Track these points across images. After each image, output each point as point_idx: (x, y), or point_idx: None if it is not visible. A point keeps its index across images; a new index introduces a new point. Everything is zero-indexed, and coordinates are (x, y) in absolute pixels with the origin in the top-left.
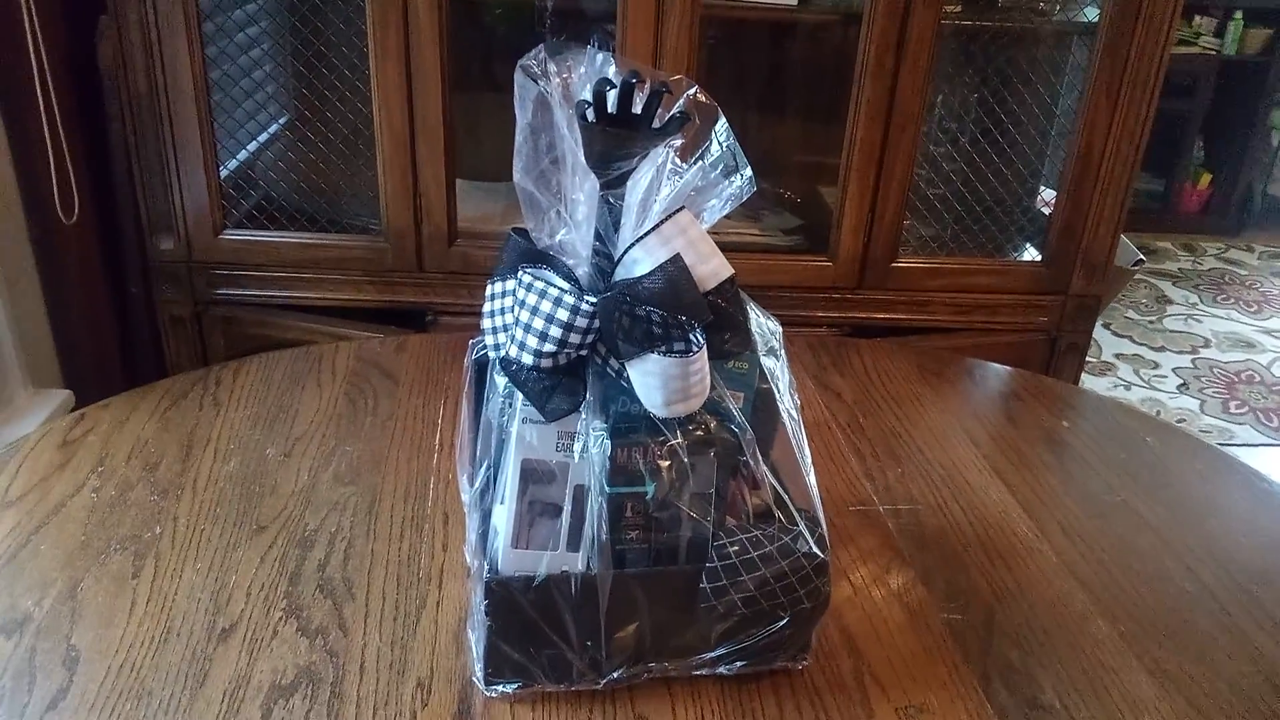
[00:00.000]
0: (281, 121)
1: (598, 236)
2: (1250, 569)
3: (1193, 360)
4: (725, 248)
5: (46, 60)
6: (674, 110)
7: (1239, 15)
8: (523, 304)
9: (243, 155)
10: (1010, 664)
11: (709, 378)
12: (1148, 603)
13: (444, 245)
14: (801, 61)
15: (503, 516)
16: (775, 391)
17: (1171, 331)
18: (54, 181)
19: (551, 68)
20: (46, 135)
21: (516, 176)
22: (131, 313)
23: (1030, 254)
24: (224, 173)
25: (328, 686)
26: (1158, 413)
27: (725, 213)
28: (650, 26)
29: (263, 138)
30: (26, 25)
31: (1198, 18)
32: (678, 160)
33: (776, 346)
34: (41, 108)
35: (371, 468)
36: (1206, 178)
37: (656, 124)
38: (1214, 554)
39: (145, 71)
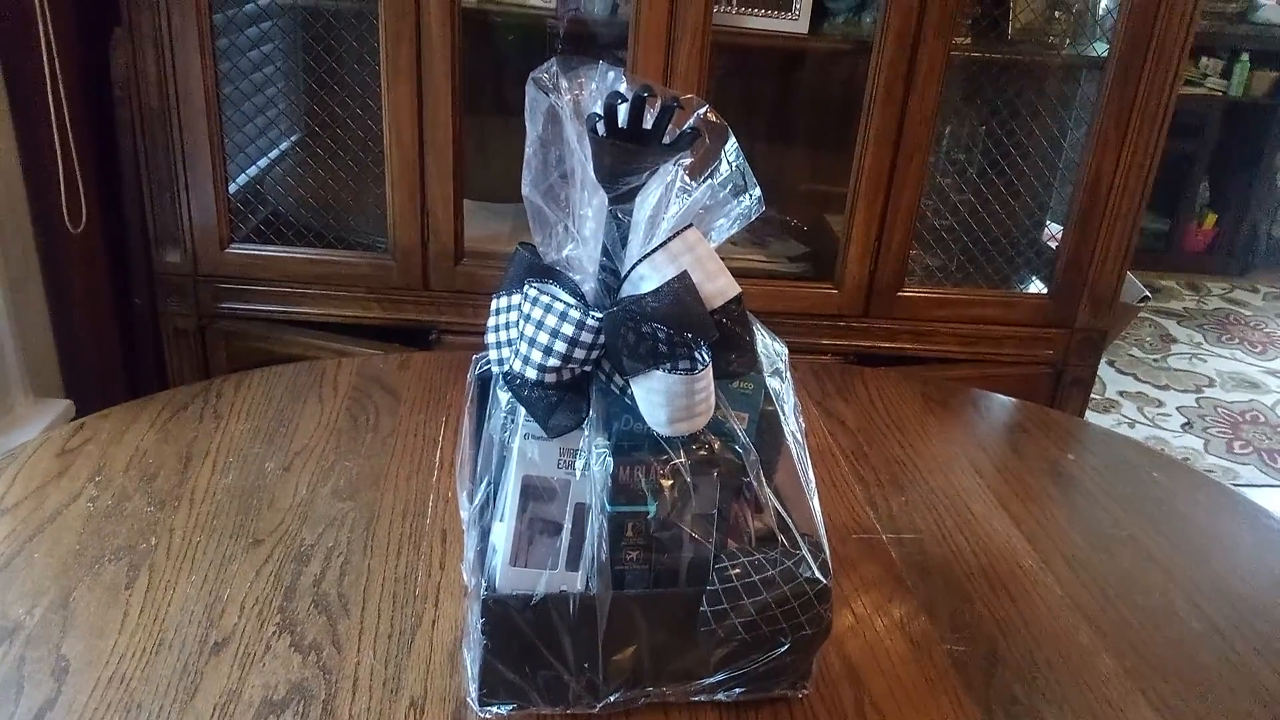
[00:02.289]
0: (292, 138)
1: (605, 252)
2: (1256, 605)
3: (1197, 400)
4: (731, 273)
5: (60, 70)
6: (684, 127)
7: (1245, 57)
8: (528, 318)
9: (252, 170)
10: (1014, 697)
11: (713, 397)
12: (1153, 638)
13: (450, 264)
14: (810, 90)
15: (502, 534)
16: (780, 414)
17: (1176, 370)
18: (62, 190)
19: (563, 82)
20: (57, 144)
21: (525, 190)
22: (135, 324)
23: (1036, 286)
24: (233, 187)
25: (319, 704)
26: (1162, 451)
27: (733, 231)
28: (661, 51)
29: (273, 153)
30: (41, 35)
31: (1205, 59)
32: (687, 178)
33: (782, 368)
34: (53, 116)
35: (370, 484)
36: (1212, 218)
37: (667, 140)
38: (1220, 590)
39: (157, 85)
